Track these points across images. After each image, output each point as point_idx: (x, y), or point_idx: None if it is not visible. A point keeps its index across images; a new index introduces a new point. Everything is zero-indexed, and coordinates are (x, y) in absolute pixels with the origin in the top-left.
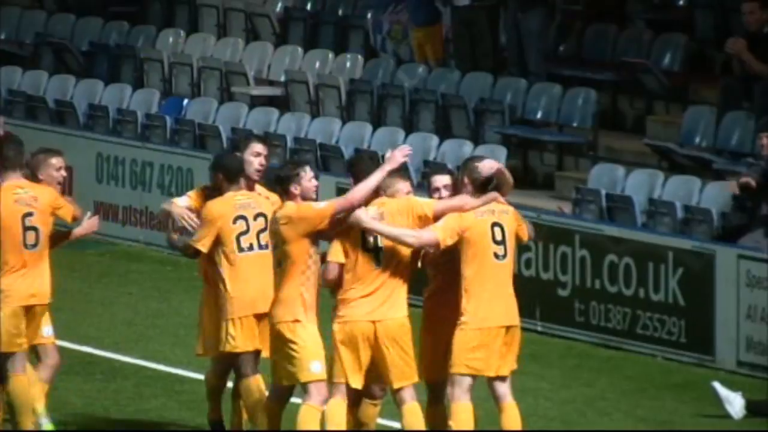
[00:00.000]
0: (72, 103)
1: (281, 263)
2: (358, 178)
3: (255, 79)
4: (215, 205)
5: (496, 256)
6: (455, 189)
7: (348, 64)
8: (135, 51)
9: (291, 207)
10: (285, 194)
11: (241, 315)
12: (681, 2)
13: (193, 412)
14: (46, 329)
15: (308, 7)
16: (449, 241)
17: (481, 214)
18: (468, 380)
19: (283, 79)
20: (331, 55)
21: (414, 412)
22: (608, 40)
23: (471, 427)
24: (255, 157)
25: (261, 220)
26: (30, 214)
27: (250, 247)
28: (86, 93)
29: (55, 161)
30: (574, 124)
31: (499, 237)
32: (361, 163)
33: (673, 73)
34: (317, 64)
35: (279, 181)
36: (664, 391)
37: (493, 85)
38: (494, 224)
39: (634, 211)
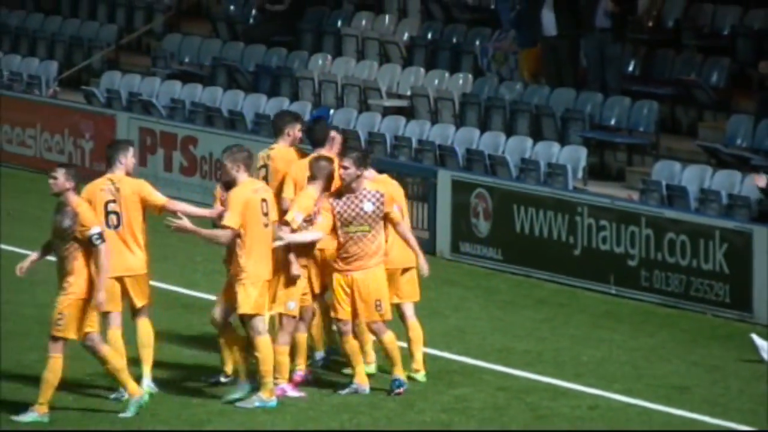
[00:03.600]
0: (242, 113)
1: None
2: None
3: (387, 94)
4: None
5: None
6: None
7: (460, 82)
8: (291, 71)
9: None
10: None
11: None
12: (725, 32)
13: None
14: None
15: (429, 36)
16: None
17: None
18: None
19: (409, 93)
20: (447, 74)
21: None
22: (667, 62)
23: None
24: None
25: None
26: None
27: None
28: (253, 105)
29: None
30: (641, 129)
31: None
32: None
33: (719, 89)
34: (436, 81)
35: None
36: (712, 342)
37: (576, 98)
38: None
39: (689, 198)
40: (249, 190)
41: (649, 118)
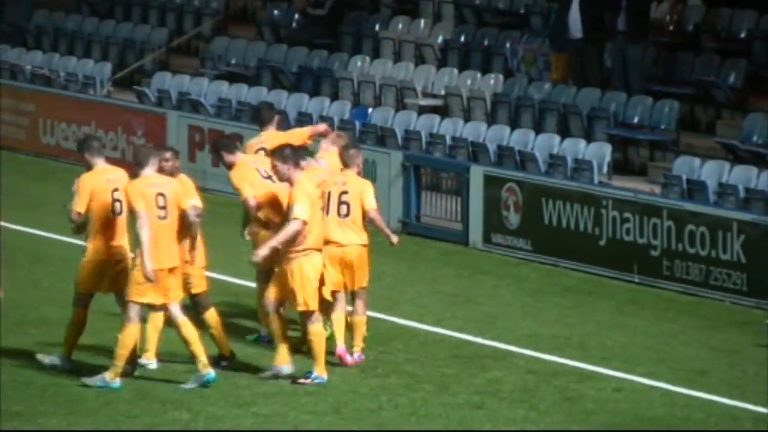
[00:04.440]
0: (285, 112)
1: None
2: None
3: (422, 93)
4: None
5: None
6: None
7: (492, 82)
8: (332, 72)
9: None
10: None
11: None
12: (742, 35)
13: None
14: None
15: (462, 39)
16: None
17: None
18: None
19: (443, 93)
20: (479, 75)
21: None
22: (687, 63)
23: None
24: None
25: None
26: None
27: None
28: (295, 104)
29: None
30: (662, 127)
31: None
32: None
33: (736, 89)
34: (468, 82)
35: None
36: (730, 327)
37: (601, 98)
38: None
39: (708, 192)
40: (145, 183)
41: (670, 117)
